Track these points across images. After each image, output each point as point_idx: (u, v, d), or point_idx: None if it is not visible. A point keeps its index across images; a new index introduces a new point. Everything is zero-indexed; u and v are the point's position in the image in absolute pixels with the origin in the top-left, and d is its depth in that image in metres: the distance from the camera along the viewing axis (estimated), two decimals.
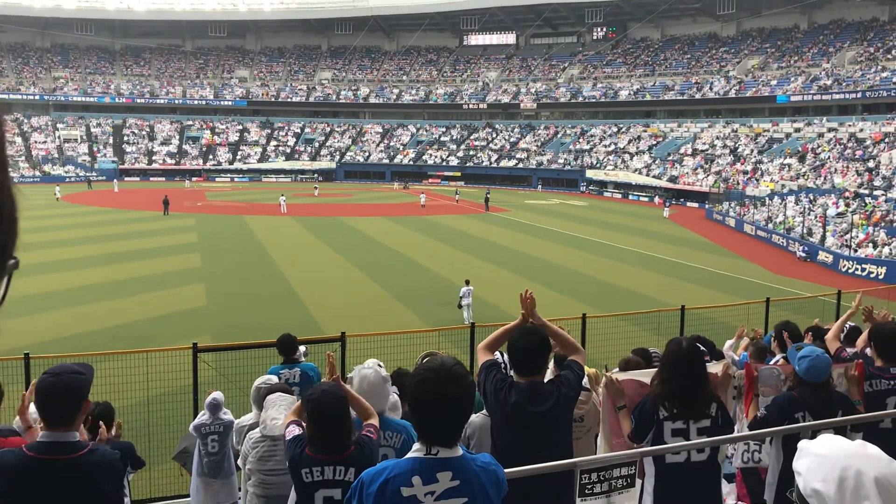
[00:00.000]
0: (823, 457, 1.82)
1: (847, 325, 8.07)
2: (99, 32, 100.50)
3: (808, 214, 41.59)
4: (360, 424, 4.67)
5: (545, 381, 4.56)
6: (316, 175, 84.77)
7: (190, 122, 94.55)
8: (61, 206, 53.89)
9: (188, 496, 8.39)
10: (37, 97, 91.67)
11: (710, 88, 78.01)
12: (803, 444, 1.91)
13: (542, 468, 3.99)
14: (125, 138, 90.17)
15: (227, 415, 7.82)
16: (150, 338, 17.72)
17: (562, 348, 4.79)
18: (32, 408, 5.52)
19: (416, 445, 2.82)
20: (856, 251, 34.17)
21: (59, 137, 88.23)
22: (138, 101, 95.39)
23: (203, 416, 7.91)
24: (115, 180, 74.38)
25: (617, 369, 5.91)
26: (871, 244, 34.45)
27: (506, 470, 3.87)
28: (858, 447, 1.86)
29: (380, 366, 4.89)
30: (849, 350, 6.78)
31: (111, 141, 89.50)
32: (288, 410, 4.76)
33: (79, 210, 51.62)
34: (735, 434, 5.06)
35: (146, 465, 6.50)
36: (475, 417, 5.93)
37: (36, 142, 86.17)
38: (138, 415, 11.06)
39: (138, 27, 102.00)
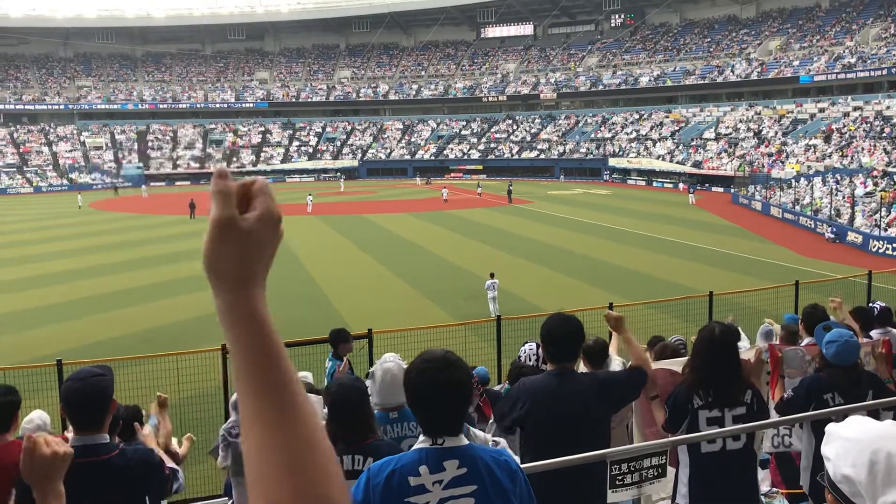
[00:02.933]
0: (852, 440, 1.79)
1: (878, 305, 7.90)
2: (120, 40, 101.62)
3: (836, 195, 41.03)
4: (382, 418, 4.68)
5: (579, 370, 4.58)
6: (339, 174, 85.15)
7: (212, 126, 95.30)
8: (87, 213, 54.54)
9: (222, 496, 8.46)
10: (62, 107, 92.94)
11: (732, 71, 77.19)
12: (831, 428, 1.88)
13: (572, 460, 3.97)
14: (149, 144, 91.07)
15: None
16: (179, 340, 17.85)
17: (631, 356, 4.89)
18: (35, 414, 5.59)
19: (421, 438, 2.85)
20: (886, 230, 33.67)
21: (84, 145, 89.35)
22: (161, 106, 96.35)
23: (232, 418, 7.97)
24: (143, 186, 75.27)
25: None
26: None
27: (538, 462, 3.86)
28: (887, 429, 1.83)
29: (400, 359, 4.93)
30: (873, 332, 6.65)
31: (136, 147, 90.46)
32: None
33: (106, 217, 52.24)
34: (768, 420, 4.98)
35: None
36: None
37: (62, 151, 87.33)
38: (170, 417, 11.15)
39: (158, 33, 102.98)
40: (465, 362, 3.01)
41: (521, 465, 2.98)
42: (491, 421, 5.64)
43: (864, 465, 1.72)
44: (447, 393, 2.80)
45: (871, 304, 8.42)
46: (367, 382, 4.94)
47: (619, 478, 4.13)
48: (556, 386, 4.31)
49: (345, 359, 9.06)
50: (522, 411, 4.24)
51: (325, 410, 4.33)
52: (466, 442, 2.83)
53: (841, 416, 4.22)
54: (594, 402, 4.39)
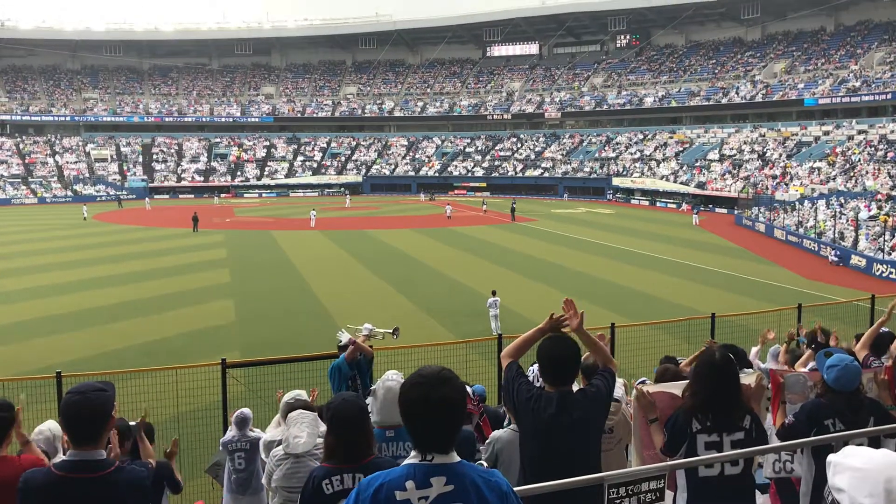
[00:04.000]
0: (863, 470, 1.77)
1: (882, 330, 7.85)
2: (127, 53, 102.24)
3: (840, 218, 41.01)
4: (379, 436, 4.64)
5: (574, 390, 4.51)
6: (343, 189, 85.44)
7: (218, 140, 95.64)
8: (91, 225, 54.63)
9: None
10: (68, 118, 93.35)
11: (737, 93, 77.40)
12: (835, 459, 1.87)
13: (570, 483, 3.94)
14: (154, 157, 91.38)
15: (254, 431, 7.85)
16: (180, 354, 17.84)
17: (597, 358, 4.75)
18: (46, 425, 5.53)
19: (412, 454, 2.85)
20: (889, 254, 33.61)
21: (90, 157, 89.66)
22: (167, 119, 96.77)
23: (230, 433, 7.95)
24: (146, 198, 75.48)
25: (645, 381, 5.83)
26: None
27: (535, 485, 3.82)
28: (892, 457, 1.82)
29: (402, 378, 4.90)
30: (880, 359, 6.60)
31: (141, 160, 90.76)
32: (310, 428, 4.75)
33: (109, 229, 52.31)
34: (768, 445, 4.94)
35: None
36: (502, 433, 5.85)
37: (67, 162, 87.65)
38: (169, 431, 11.10)
39: (165, 47, 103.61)
40: (461, 381, 3.00)
41: (515, 489, 2.95)
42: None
43: (881, 494, 1.72)
44: (439, 409, 2.79)
45: None
46: (369, 400, 4.92)
47: (617, 501, 4.09)
48: (558, 415, 4.27)
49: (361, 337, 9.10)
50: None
51: (323, 428, 4.31)
52: (457, 460, 2.82)
53: (842, 443, 4.18)
54: (592, 422, 4.38)
